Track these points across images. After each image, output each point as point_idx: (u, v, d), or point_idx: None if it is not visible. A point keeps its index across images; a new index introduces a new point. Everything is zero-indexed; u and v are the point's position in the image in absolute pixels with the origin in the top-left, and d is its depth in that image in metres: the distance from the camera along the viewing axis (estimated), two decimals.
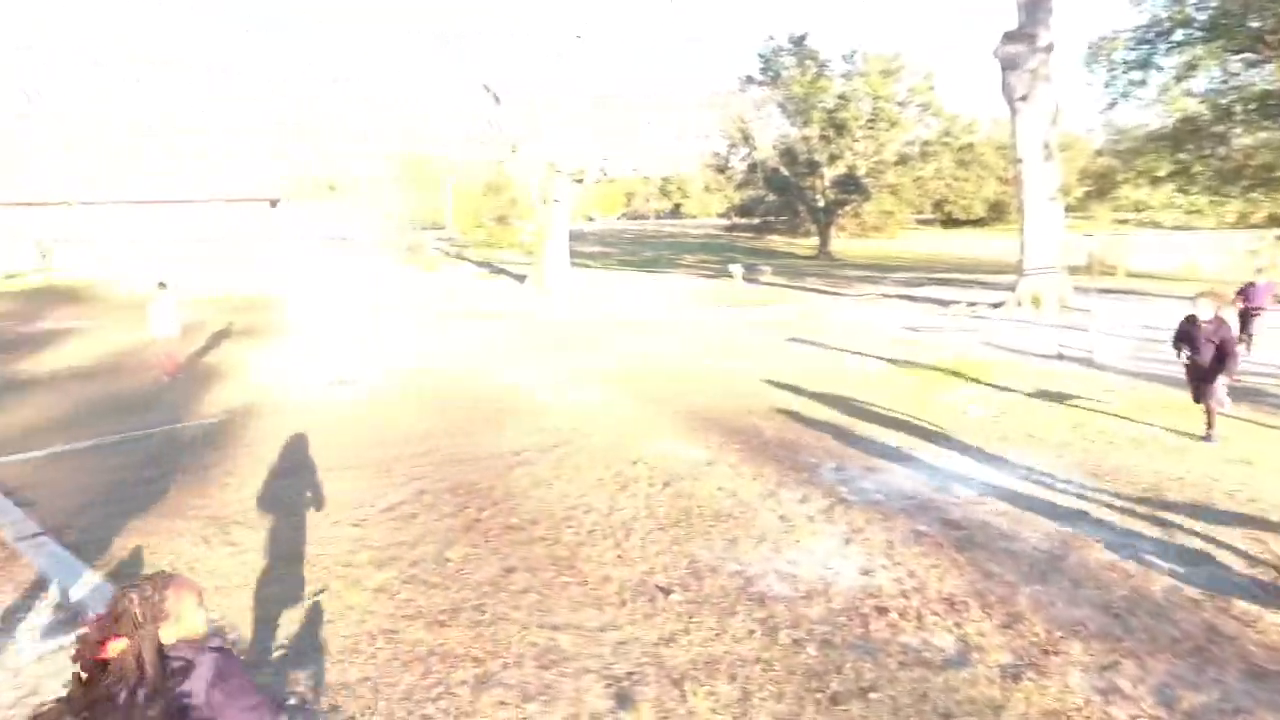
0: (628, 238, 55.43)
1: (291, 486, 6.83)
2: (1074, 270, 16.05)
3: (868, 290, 23.97)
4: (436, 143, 37.11)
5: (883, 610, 4.46)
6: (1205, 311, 7.26)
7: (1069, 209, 24.54)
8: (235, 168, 39.43)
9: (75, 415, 9.78)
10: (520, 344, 14.61)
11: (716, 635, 4.28)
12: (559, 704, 3.69)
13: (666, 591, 4.76)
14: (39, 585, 4.98)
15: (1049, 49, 17.85)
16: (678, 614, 4.50)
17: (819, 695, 3.72)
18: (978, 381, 10.24)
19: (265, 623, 4.48)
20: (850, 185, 42.02)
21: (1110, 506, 5.91)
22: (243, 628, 4.46)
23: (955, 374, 10.71)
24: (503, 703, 3.72)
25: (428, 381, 11.26)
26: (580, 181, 25.88)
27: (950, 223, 56.72)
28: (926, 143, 43.52)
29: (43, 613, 4.70)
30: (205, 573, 5.12)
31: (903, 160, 43.50)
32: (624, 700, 3.71)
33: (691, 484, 6.62)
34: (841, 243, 47.33)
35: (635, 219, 79.00)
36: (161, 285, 12.10)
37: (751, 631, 4.30)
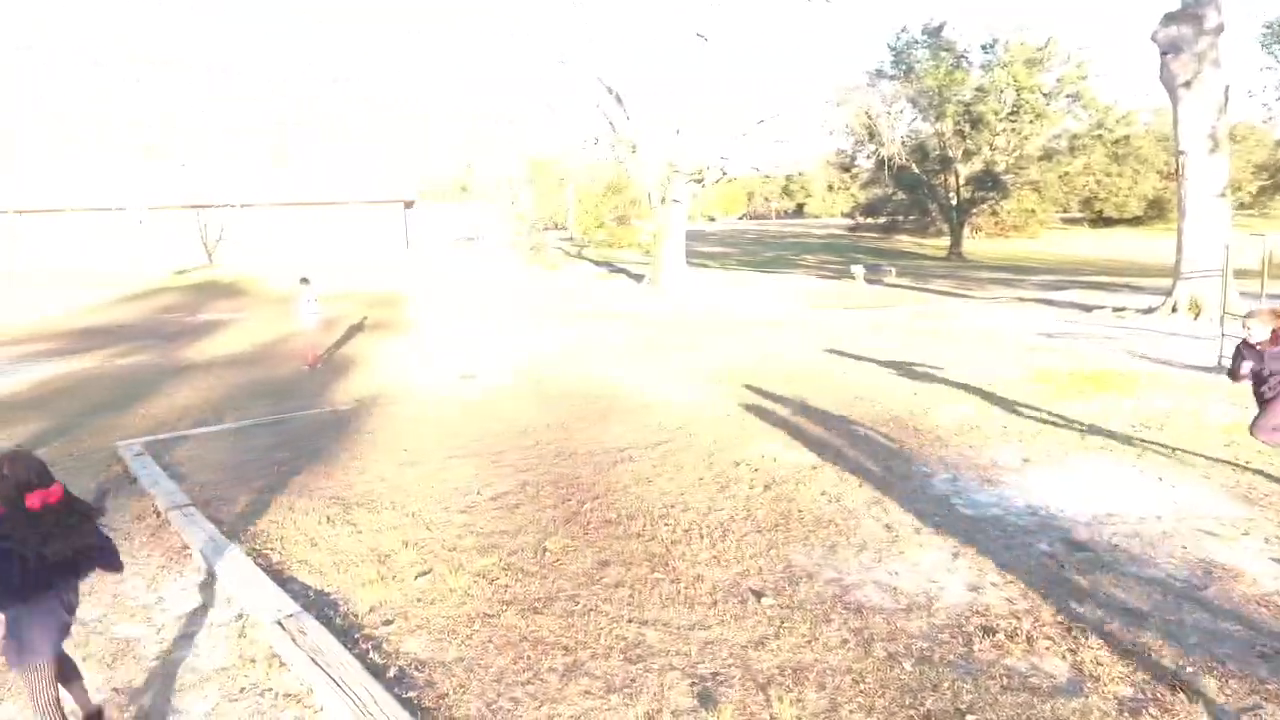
0: (748, 238, 54.95)
1: (409, 472, 7.21)
2: (1241, 274, 14.48)
3: (1001, 293, 22.64)
4: (560, 144, 38.03)
5: (989, 630, 4.20)
6: (1259, 333, 6.08)
7: (1240, 206, 22.20)
8: (375, 172, 42.10)
9: (226, 399, 10.75)
10: (633, 343, 14.78)
11: (808, 642, 4.16)
12: (642, 698, 3.71)
13: (759, 595, 4.68)
14: (183, 551, 5.51)
15: (1218, 30, 16.22)
16: (769, 618, 4.41)
17: (911, 712, 3.55)
18: (1118, 393, 9.45)
19: (374, 599, 4.75)
20: (987, 182, 39.83)
21: (1265, 537, 5.30)
22: (356, 601, 4.74)
23: (1093, 384, 9.93)
24: (588, 692, 3.77)
25: (542, 377, 11.60)
26: (699, 181, 25.88)
27: (1101, 221, 52.61)
28: (1075, 136, 40.59)
29: (186, 576, 5.19)
30: (327, 549, 5.50)
31: (1048, 155, 40.77)
32: (707, 700, 3.67)
33: (794, 488, 6.48)
34: (976, 243, 44.95)
35: (757, 219, 78.18)
36: (304, 281, 13.08)
37: (845, 641, 4.16)
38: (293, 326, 14.29)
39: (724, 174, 25.97)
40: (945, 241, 42.80)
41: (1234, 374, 6.07)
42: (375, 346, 15.19)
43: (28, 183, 36.02)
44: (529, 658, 4.07)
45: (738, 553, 5.27)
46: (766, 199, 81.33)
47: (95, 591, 5.02)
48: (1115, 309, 17.62)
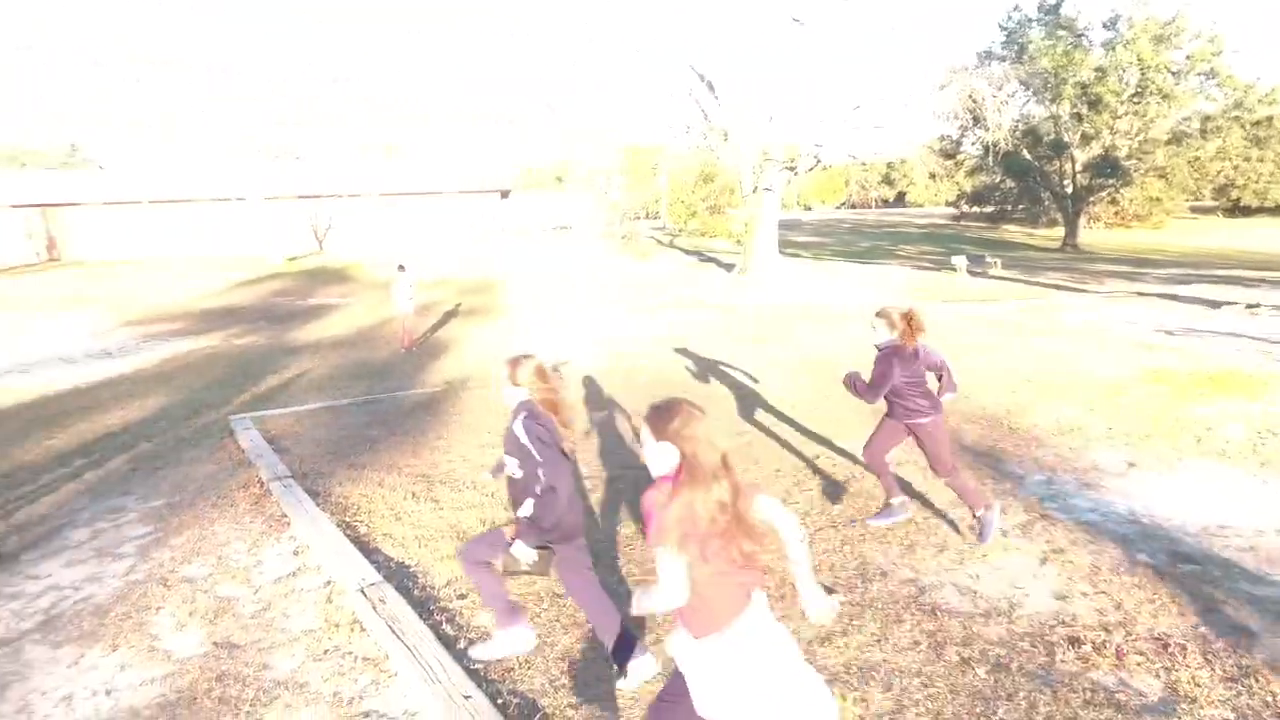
0: (844, 227, 53.56)
1: (491, 454, 7.41)
2: None
3: (1119, 287, 21.23)
4: (654, 133, 38.03)
5: (1075, 641, 3.97)
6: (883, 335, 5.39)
7: None
8: (472, 163, 43.32)
9: (328, 378, 11.35)
10: (721, 332, 14.69)
11: (877, 641, 4.05)
12: None
13: (829, 590, 4.58)
14: (282, 519, 5.87)
15: None
16: (838, 615, 4.31)
17: None
18: (1243, 396, 8.71)
19: (451, 573, 4.93)
20: (1106, 168, 37.30)
21: None
22: (434, 574, 4.93)
23: (1215, 386, 9.19)
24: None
25: (626, 365, 11.68)
26: (792, 169, 25.38)
27: (1237, 211, 48.55)
28: (1208, 118, 37.43)
29: (282, 543, 5.53)
30: (410, 524, 5.73)
31: (1176, 139, 37.79)
32: None
33: (875, 484, 6.29)
34: (1094, 234, 42.32)
35: (855, 208, 76.09)
36: (401, 268, 13.62)
37: (916, 643, 4.03)
38: (391, 311, 14.92)
39: (818, 162, 25.34)
40: (1058, 232, 40.45)
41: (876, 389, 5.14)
42: (468, 331, 15.69)
43: (158, 175, 38.98)
44: (592, 637, 4.13)
45: (812, 547, 5.17)
46: (865, 187, 78.93)
47: (202, 552, 5.43)
48: (1248, 305, 16.22)
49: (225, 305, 20.67)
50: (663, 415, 2.52)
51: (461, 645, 4.08)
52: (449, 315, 17.90)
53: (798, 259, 31.57)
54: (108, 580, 5.07)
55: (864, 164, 33.86)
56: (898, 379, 5.06)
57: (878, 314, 5.23)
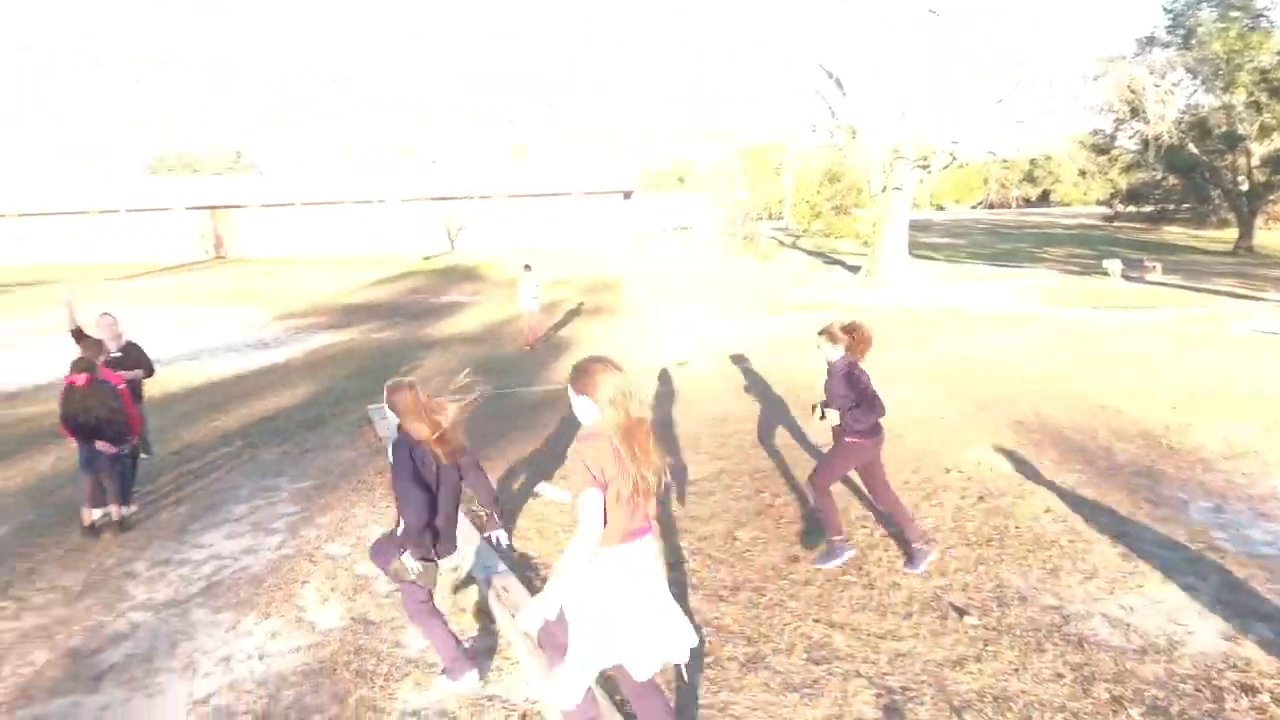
0: (981, 228, 50.80)
1: None
2: None
3: None
4: (777, 131, 37.35)
5: (1249, 689, 3.56)
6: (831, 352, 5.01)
7: None
8: (597, 165, 44.17)
9: (455, 372, 11.84)
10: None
11: (1015, 670, 3.79)
12: (823, 701, 3.58)
13: (962, 612, 4.33)
14: None
15: None
16: (971, 638, 4.07)
17: None
18: None
19: None
20: None
21: None
22: (552, 567, 5.03)
23: None
24: (767, 685, 3.72)
25: (746, 367, 11.55)
26: (925, 167, 24.32)
27: None
28: None
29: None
30: (532, 518, 5.88)
31: None
32: (893, 714, 3.47)
33: (1012, 502, 5.91)
34: (1273, 235, 38.15)
35: (994, 208, 72.05)
36: (527, 267, 14.04)
37: (1060, 675, 3.73)
38: (516, 309, 15.42)
39: (954, 159, 24.13)
40: (1229, 233, 36.74)
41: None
42: (589, 330, 15.98)
43: (310, 179, 42.06)
44: (711, 643, 4.08)
45: (941, 565, 4.91)
46: (1005, 185, 74.51)
47: (344, 533, 5.78)
48: None
49: (365, 301, 22.02)
50: (580, 372, 2.96)
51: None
52: (571, 314, 18.30)
53: (929, 261, 30.23)
54: (262, 553, 5.50)
55: (1005, 161, 31.97)
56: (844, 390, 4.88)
57: (819, 331, 5.12)
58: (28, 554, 5.59)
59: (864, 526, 5.53)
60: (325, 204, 38.64)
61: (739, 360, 12.09)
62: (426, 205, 38.00)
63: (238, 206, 38.96)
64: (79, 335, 6.46)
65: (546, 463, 7.22)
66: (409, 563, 3.58)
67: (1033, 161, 60.90)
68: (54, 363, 8.07)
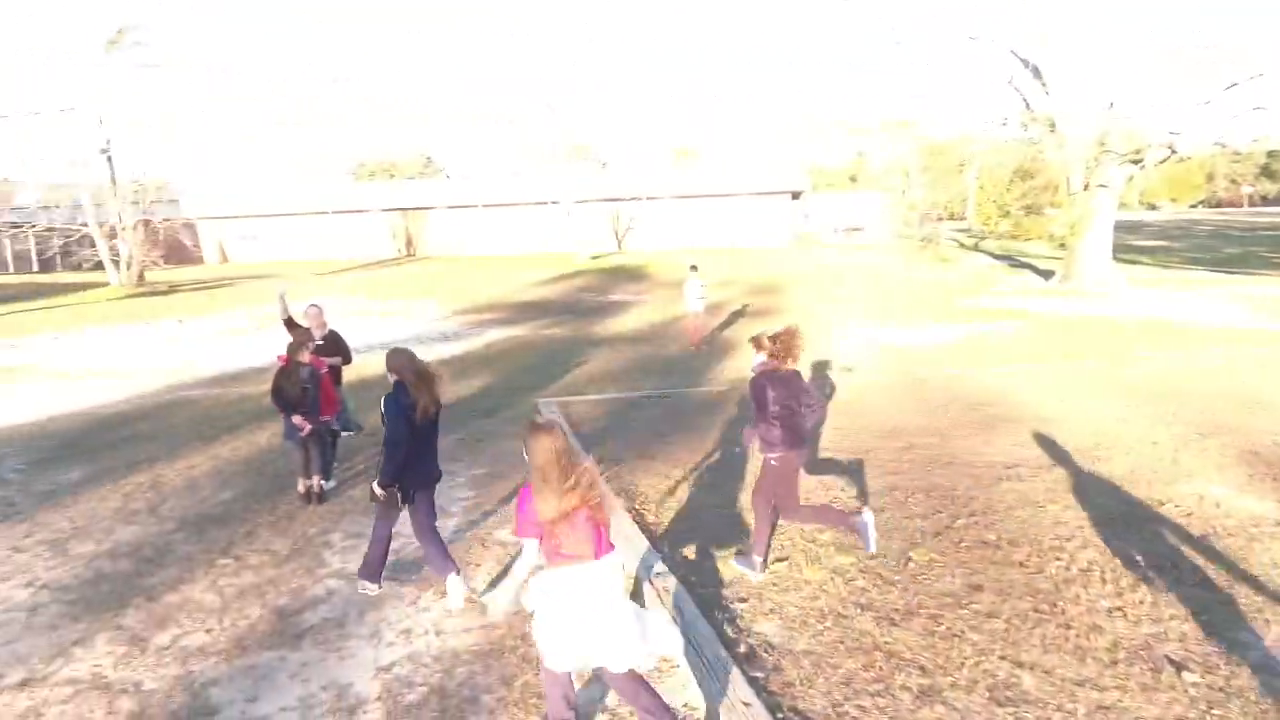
0: (1203, 230, 45.17)
1: None
2: None
3: None
4: (960, 125, 35.00)
5: None
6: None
7: None
8: (764, 165, 43.57)
9: (622, 371, 12.08)
10: (1033, 346, 13.13)
11: None
12: None
13: (1180, 666, 3.80)
14: None
15: None
16: (1191, 697, 3.56)
17: None
18: None
19: (732, 574, 4.92)
20: None
21: None
22: (716, 573, 4.96)
23: None
24: None
25: (922, 376, 10.91)
26: (1137, 162, 21.91)
27: None
28: None
29: None
30: (694, 520, 5.84)
31: None
32: None
33: (1245, 544, 5.13)
34: None
35: (1219, 207, 63.83)
36: (693, 268, 14.06)
37: None
38: (681, 309, 15.49)
39: (1172, 152, 21.56)
40: None
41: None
42: (754, 332, 15.75)
43: (492, 181, 44.64)
44: (882, 669, 3.84)
45: (1153, 610, 4.34)
46: (1235, 181, 65.67)
47: (513, 520, 6.01)
48: None
49: (537, 299, 23.03)
50: (529, 430, 3.37)
51: (743, 649, 4.03)
52: (736, 315, 18.15)
53: (1136, 266, 27.27)
54: (441, 534, 5.83)
55: (1236, 153, 28.18)
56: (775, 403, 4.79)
57: (750, 339, 5.25)
58: (247, 518, 6.27)
59: (1058, 559, 5.01)
60: (503, 205, 40.92)
61: (914, 369, 11.45)
62: (597, 206, 39.21)
63: (426, 208, 42.12)
64: (290, 324, 7.22)
65: (711, 465, 7.16)
66: (376, 489, 4.64)
67: (1271, 154, 53.21)
68: (272, 347, 9.03)
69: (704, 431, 8.32)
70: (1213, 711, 3.47)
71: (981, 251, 37.30)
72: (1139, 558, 4.98)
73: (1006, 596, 4.52)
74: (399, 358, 4.72)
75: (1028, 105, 26.63)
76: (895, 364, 11.89)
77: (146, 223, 28.22)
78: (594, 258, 34.27)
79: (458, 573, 4.72)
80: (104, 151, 26.85)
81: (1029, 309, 18.35)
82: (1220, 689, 3.63)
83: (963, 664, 3.86)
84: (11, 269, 39.76)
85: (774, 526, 5.09)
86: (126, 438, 8.84)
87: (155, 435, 8.90)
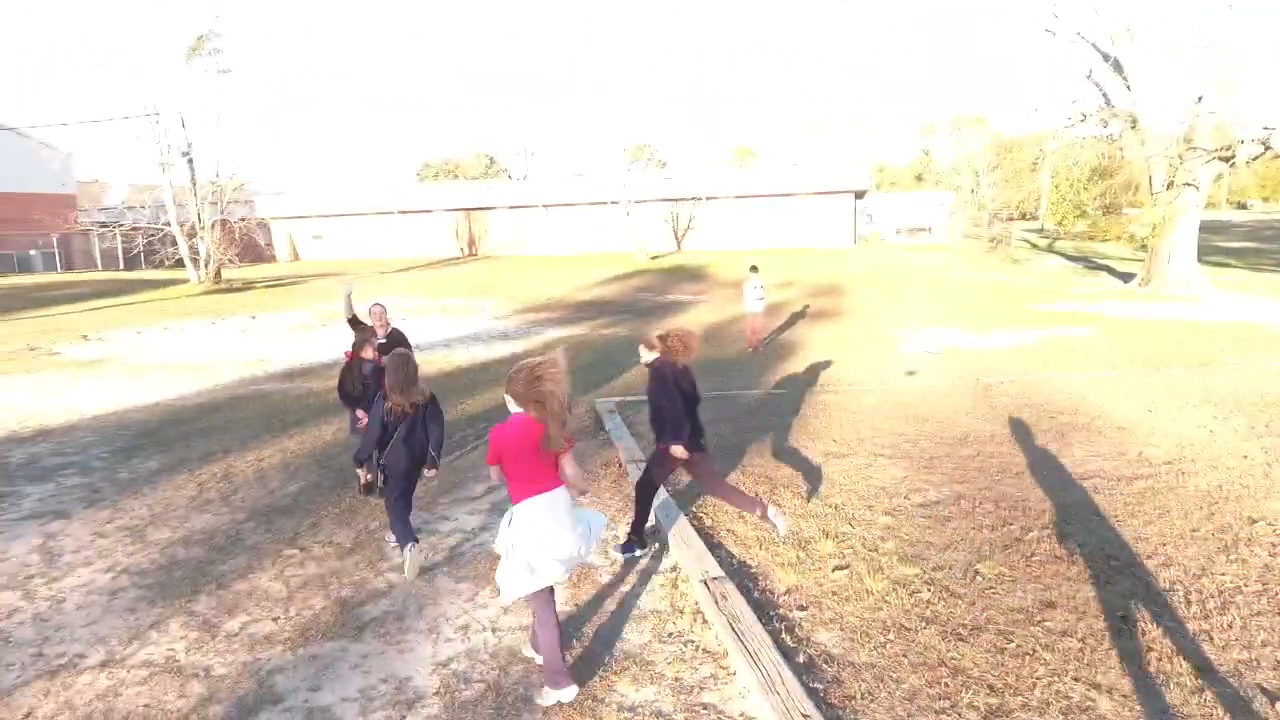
0: None
1: (835, 464, 7.17)
2: None
3: None
4: (1035, 124, 33.79)
5: None
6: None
7: None
8: (826, 164, 42.85)
9: None
10: (1109, 352, 12.58)
11: None
12: None
13: (1274, 698, 3.55)
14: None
15: None
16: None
17: None
18: None
19: (791, 581, 4.81)
20: None
21: None
22: (774, 579, 4.86)
23: None
24: None
25: (990, 382, 10.55)
26: (1227, 160, 20.82)
27: None
28: None
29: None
30: (752, 524, 5.75)
31: None
32: None
33: None
34: None
35: None
36: (753, 269, 13.89)
37: None
38: (740, 310, 15.34)
39: (1266, 149, 20.40)
40: None
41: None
42: (814, 334, 15.52)
43: (548, 182, 45.08)
44: (947, 686, 3.69)
45: (1242, 635, 4.07)
46: None
47: None
48: None
49: (596, 298, 23.14)
50: (512, 378, 3.78)
51: (801, 660, 3.93)
52: (795, 317, 17.90)
53: (1225, 269, 25.94)
54: (496, 532, 5.87)
55: None
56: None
57: (641, 339, 5.45)
58: (313, 510, 6.44)
59: (1135, 578, 4.75)
60: (564, 205, 41.29)
61: (982, 374, 11.08)
62: (656, 206, 39.21)
63: (488, 208, 42.80)
64: (355, 322, 7.39)
65: (771, 470, 7.05)
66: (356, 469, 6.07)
67: None
68: (338, 343, 9.26)
69: (762, 435, 8.20)
70: None
71: (1055, 253, 36.02)
72: (1227, 576, 4.69)
73: (1082, 615, 4.31)
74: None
75: (1107, 101, 25.58)
76: (962, 368, 11.53)
77: (223, 222, 29.40)
78: (653, 258, 34.27)
79: (415, 544, 5.17)
80: (185, 154, 28.06)
81: (1106, 313, 17.62)
82: None
83: (1034, 684, 3.68)
84: (100, 266, 41.94)
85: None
86: (201, 429, 9.19)
87: (228, 427, 9.23)
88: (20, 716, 3.78)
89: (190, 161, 28.23)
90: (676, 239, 39.93)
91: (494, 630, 4.44)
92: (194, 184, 28.26)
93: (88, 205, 44.39)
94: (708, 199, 39.25)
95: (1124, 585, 4.64)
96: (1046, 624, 4.23)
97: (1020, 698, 3.59)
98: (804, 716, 3.32)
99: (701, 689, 3.79)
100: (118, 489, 7.11)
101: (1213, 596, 4.48)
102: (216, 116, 28.56)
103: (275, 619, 4.65)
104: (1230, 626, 4.16)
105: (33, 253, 40.20)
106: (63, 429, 9.34)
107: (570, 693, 3.69)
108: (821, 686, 3.70)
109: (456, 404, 10.09)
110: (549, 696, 3.70)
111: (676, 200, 39.46)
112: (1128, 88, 22.81)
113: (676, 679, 3.88)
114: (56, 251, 40.31)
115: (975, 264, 29.88)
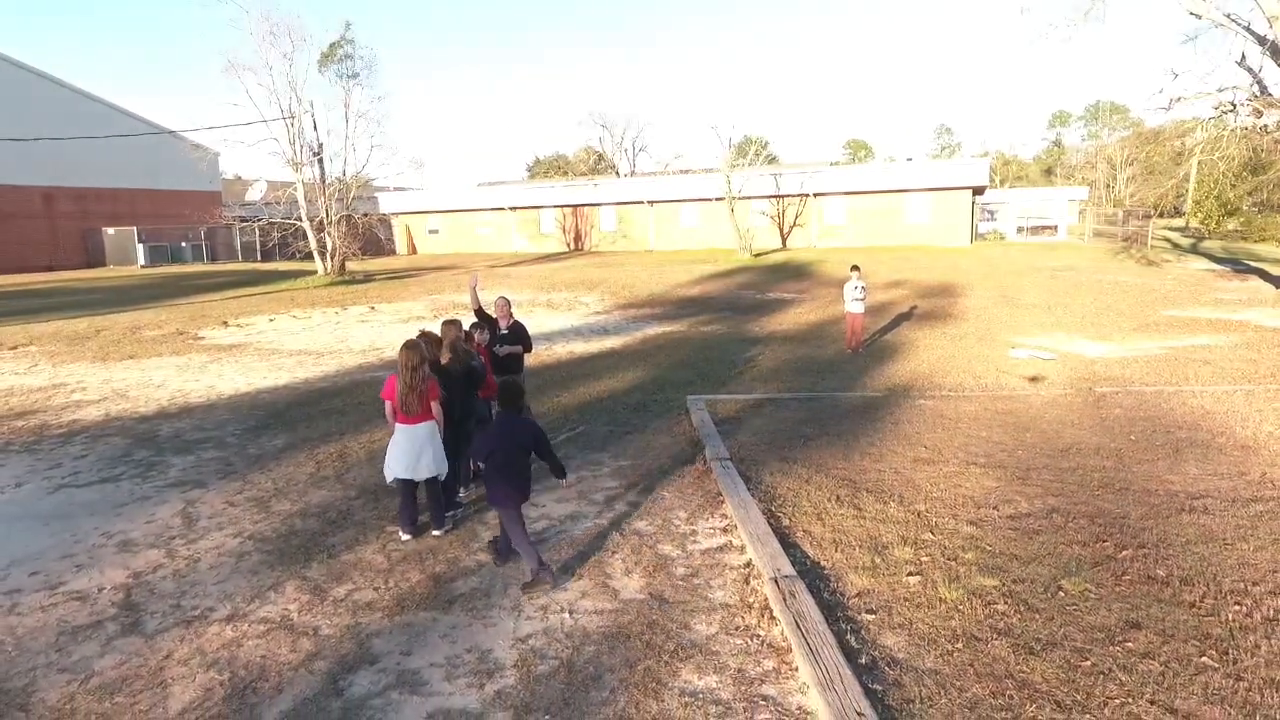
0: None
1: (924, 470, 7.05)
2: None
3: None
4: (1178, 115, 31.20)
5: None
6: None
7: None
8: (943, 159, 41.14)
9: (774, 370, 11.99)
10: (1247, 364, 11.64)
11: None
12: None
13: None
14: (717, 496, 6.42)
15: None
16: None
17: None
18: None
19: (863, 585, 4.83)
20: None
21: None
22: (846, 581, 4.90)
23: None
24: None
25: (1104, 391, 10.02)
26: None
27: None
28: None
29: (714, 518, 6.05)
30: (830, 526, 5.78)
31: None
32: None
33: None
34: None
35: None
36: (854, 268, 13.65)
37: None
38: (841, 310, 15.10)
39: None
40: None
41: None
42: (920, 336, 15.09)
43: (653, 180, 45.43)
44: (1012, 698, 3.66)
45: None
46: None
47: (651, 513, 6.23)
48: None
49: (698, 294, 23.24)
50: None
51: (863, 661, 3.98)
52: (901, 318, 17.43)
53: None
54: (582, 520, 6.16)
55: None
56: None
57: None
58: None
59: (1239, 604, 4.50)
60: (670, 201, 41.57)
61: (1096, 382, 10.52)
62: (763, 203, 38.89)
63: (595, 204, 43.63)
64: (480, 313, 7.81)
65: (855, 474, 7.02)
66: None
67: None
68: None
69: (850, 438, 8.14)
70: None
71: (1200, 253, 33.34)
72: None
73: (1169, 638, 4.13)
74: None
75: (1263, 89, 23.46)
76: (1075, 377, 10.98)
77: (348, 218, 31.35)
78: (756, 255, 34.03)
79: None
80: (316, 155, 30.09)
81: (1252, 321, 16.24)
82: None
83: (1106, 705, 3.59)
84: (240, 257, 45.58)
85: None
86: (322, 411, 9.97)
87: (345, 410, 9.97)
88: (161, 658, 4.34)
89: (320, 161, 30.25)
90: (782, 236, 39.46)
91: (571, 612, 4.70)
92: (323, 182, 30.27)
93: (230, 201, 48.36)
94: (815, 195, 38.57)
95: (1223, 611, 4.41)
96: (1128, 645, 4.09)
97: (1088, 715, 3.52)
98: (859, 715, 3.38)
99: (763, 682, 3.91)
100: (247, 463, 7.86)
101: None
102: (345, 118, 30.47)
103: (376, 588, 5.08)
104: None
105: (184, 244, 44.17)
106: (203, 407, 10.35)
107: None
108: (881, 688, 3.75)
109: (553, 397, 10.49)
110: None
111: (784, 196, 38.99)
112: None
113: (740, 670, 4.01)
114: (204, 243, 44.10)
115: (1104, 265, 28.05)
